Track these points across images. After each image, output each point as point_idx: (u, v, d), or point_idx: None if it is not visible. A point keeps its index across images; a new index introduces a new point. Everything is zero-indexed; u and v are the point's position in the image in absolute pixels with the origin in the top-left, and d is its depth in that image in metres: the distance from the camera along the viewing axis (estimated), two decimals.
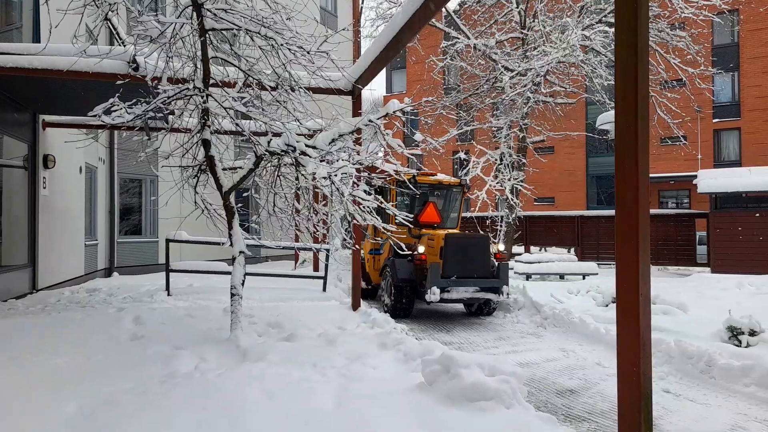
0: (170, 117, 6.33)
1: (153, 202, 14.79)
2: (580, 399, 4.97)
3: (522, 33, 15.59)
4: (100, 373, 4.65)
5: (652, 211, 21.34)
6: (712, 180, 16.18)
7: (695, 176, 17.25)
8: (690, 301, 8.65)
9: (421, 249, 8.75)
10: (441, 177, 10.51)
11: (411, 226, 8.09)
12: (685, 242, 18.05)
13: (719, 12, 16.85)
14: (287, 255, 17.96)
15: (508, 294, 8.60)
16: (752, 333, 5.89)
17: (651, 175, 28.30)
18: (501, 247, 9.19)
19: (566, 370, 5.95)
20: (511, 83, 14.56)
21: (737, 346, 5.91)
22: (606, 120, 17.35)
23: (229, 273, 9.38)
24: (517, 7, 15.65)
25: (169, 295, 9.74)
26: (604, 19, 14.60)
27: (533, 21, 15.39)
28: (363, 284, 10.25)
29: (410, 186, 8.56)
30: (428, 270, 8.30)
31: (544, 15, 15.41)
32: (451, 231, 9.19)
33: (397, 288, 8.72)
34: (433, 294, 8.09)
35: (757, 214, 15.24)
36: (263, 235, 10.17)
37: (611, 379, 5.44)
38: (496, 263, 8.68)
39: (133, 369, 4.73)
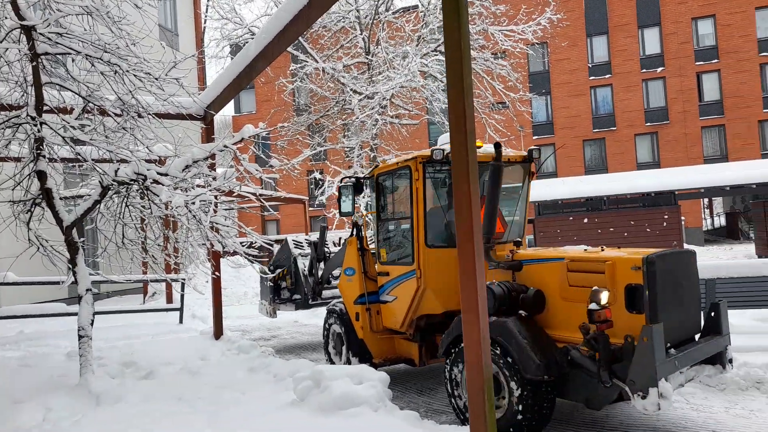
0: None
1: None
2: (438, 395, 5.51)
3: (367, 58, 16.50)
4: None
5: None
6: (534, 190, 18.59)
7: None
8: None
9: (604, 297, 3.85)
10: (492, 150, 5.26)
11: (487, 243, 4.73)
12: None
13: (531, 44, 19.52)
14: (134, 289, 16.60)
15: (731, 361, 4.44)
16: None
17: None
18: None
19: (422, 372, 6.45)
20: (359, 105, 15.31)
21: None
22: (445, 140, 18.96)
23: (66, 314, 8.54)
24: (361, 34, 16.56)
25: None
26: (439, 48, 16.09)
27: (377, 47, 16.39)
28: (349, 357, 5.84)
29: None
30: (639, 343, 3.67)
31: (386, 42, 16.53)
32: (647, 251, 4.15)
33: (534, 386, 4.10)
34: (663, 397, 3.57)
35: (571, 218, 17.85)
36: (109, 270, 9.34)
37: None
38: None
39: None
